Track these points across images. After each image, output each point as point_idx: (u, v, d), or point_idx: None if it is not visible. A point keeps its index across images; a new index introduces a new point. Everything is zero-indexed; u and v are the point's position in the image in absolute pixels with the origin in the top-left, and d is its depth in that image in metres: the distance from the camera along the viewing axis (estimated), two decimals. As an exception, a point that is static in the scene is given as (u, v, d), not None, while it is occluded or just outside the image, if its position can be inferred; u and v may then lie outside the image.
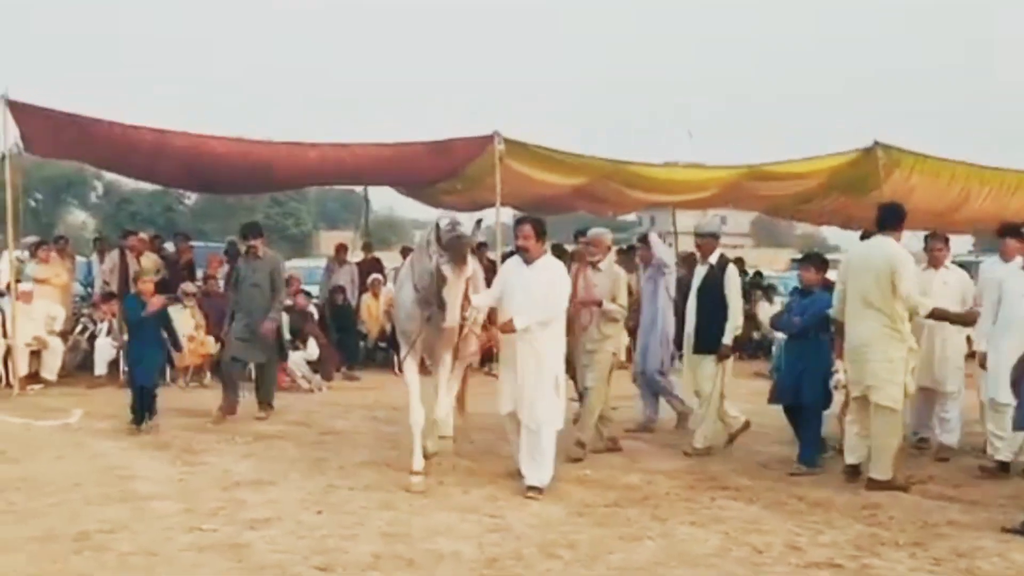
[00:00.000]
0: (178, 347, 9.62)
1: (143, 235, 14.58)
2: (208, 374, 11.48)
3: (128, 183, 41.23)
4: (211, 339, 11.45)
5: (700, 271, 7.85)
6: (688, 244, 10.98)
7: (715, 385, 7.67)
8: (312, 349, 11.57)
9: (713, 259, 7.79)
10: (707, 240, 7.87)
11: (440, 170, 12.42)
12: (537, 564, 4.86)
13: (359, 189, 18.32)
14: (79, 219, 48.85)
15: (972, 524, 5.76)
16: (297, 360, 11.30)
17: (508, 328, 6.21)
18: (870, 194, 12.85)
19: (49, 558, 4.88)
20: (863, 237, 7.55)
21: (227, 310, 9.62)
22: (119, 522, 5.51)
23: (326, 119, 74.93)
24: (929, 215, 12.89)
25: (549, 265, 6.49)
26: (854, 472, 6.76)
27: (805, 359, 7.19)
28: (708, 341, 7.63)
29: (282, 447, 7.81)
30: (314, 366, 11.51)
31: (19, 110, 10.41)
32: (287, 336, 11.53)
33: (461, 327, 6.45)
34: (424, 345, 6.69)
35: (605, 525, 5.63)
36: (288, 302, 12.27)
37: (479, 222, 6.77)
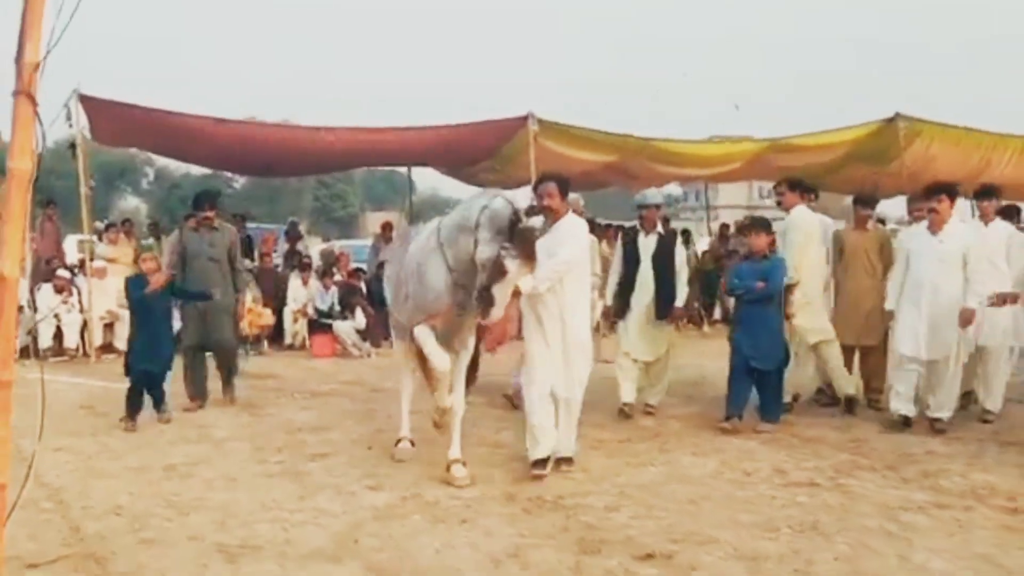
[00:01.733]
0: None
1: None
2: (266, 343, 12.57)
3: (178, 169, 42.85)
4: (268, 311, 12.54)
5: (649, 241, 7.80)
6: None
7: (668, 345, 7.94)
8: (360, 319, 12.57)
9: (660, 229, 7.86)
10: (651, 210, 7.84)
11: (478, 150, 13.38)
12: (553, 484, 5.77)
13: (403, 170, 19.38)
14: (131, 204, 50.47)
15: (947, 454, 6.57)
16: (347, 329, 12.35)
17: (519, 294, 5.66)
18: (891, 164, 13.56)
19: (144, 483, 5.89)
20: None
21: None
22: (200, 457, 6.53)
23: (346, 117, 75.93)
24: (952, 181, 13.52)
25: (571, 228, 6.13)
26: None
27: (767, 323, 7.42)
28: (667, 308, 7.74)
29: (337, 402, 8.81)
30: (363, 334, 12.51)
31: (88, 103, 11.51)
32: (336, 307, 12.63)
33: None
34: (443, 329, 5.92)
35: (616, 456, 6.53)
36: (338, 277, 13.41)
37: (533, 208, 5.83)
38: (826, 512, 5.20)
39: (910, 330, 7.29)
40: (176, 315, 8.53)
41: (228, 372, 8.65)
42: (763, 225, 7.77)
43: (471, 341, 6.16)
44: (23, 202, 3.04)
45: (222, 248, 8.50)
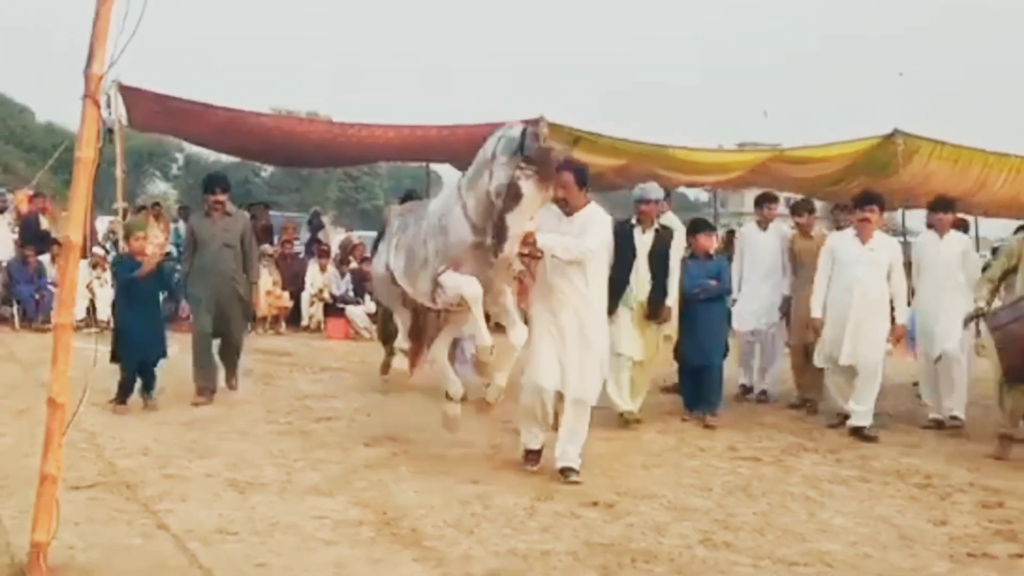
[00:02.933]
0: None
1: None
2: (284, 323, 13.51)
3: (208, 156, 43.94)
4: (286, 294, 13.49)
5: (646, 238, 7.60)
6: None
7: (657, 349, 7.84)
8: (371, 304, 13.47)
9: (657, 224, 7.72)
10: (651, 205, 7.66)
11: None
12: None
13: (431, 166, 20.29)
14: (160, 189, 51.76)
15: (889, 443, 7.32)
16: (359, 313, 13.30)
17: (530, 240, 5.40)
18: (891, 178, 14.27)
19: (167, 433, 6.78)
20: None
21: (183, 276, 8.49)
22: (216, 416, 7.41)
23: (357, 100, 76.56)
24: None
25: (594, 218, 5.89)
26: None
27: (711, 320, 7.85)
28: (659, 306, 7.62)
29: (344, 377, 9.71)
30: (373, 318, 13.40)
31: (127, 91, 12.51)
32: (351, 293, 13.57)
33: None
34: (468, 273, 5.62)
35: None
36: (353, 265, 14.34)
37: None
38: (759, 480, 6.02)
39: (838, 338, 7.58)
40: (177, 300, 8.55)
41: (233, 359, 8.50)
42: (709, 227, 8.52)
43: (506, 299, 5.79)
44: (87, 183, 3.93)
45: (236, 234, 8.20)
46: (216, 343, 8.30)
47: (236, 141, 14.66)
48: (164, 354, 7.73)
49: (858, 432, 7.45)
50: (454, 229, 5.63)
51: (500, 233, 5.24)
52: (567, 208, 5.85)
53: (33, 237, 13.52)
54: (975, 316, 7.31)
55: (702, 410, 7.85)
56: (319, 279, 13.92)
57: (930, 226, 8.55)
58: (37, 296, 12.77)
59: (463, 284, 5.54)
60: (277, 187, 48.97)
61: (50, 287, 12.76)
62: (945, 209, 8.35)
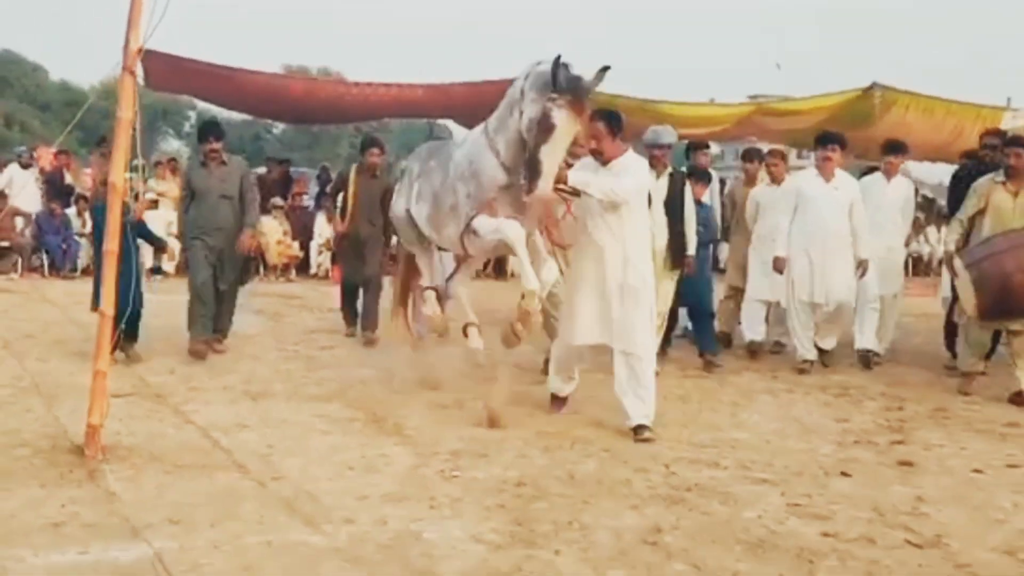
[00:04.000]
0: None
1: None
2: (294, 271, 14.60)
3: (220, 114, 44.87)
4: (296, 244, 14.56)
5: (660, 184, 7.39)
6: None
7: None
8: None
9: (671, 169, 7.65)
10: (664, 150, 7.51)
11: (485, 106, 15.17)
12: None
13: (441, 122, 21.27)
14: (173, 147, 52.78)
15: (843, 369, 8.20)
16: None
17: (563, 179, 5.39)
18: (869, 129, 15.14)
19: (189, 358, 7.83)
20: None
21: (185, 228, 8.33)
22: (231, 344, 8.40)
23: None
24: (927, 148, 15.14)
25: (630, 164, 5.73)
26: None
27: (703, 267, 8.11)
28: (680, 256, 7.58)
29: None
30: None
31: (143, 54, 13.46)
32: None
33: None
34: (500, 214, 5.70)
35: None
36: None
37: (606, 68, 5.35)
38: (698, 391, 7.04)
39: (807, 277, 7.87)
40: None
41: (226, 317, 8.24)
42: (707, 176, 8.66)
43: (536, 240, 5.82)
44: (126, 138, 4.95)
45: (234, 184, 7.99)
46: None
47: (247, 100, 15.66)
48: (142, 305, 7.41)
49: (821, 353, 8.03)
50: (486, 172, 5.69)
51: (534, 169, 5.18)
52: (602, 158, 5.70)
53: (58, 192, 14.61)
54: (948, 259, 7.32)
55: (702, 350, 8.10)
56: (327, 230, 14.90)
57: (866, 169, 9.21)
58: (64, 246, 13.87)
59: (505, 227, 5.58)
60: (289, 144, 49.90)
61: (76, 238, 13.87)
62: (896, 152, 8.71)
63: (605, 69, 5.33)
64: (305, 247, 15.05)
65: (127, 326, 6.85)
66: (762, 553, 3.90)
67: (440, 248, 6.83)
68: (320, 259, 14.98)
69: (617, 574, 3.65)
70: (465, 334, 6.48)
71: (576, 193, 5.51)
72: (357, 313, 9.22)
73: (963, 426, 6.18)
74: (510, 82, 14.50)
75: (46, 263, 13.78)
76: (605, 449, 5.39)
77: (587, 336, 5.78)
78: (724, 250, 10.25)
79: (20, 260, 13.74)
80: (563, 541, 3.97)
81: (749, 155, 9.79)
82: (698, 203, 8.08)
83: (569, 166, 5.67)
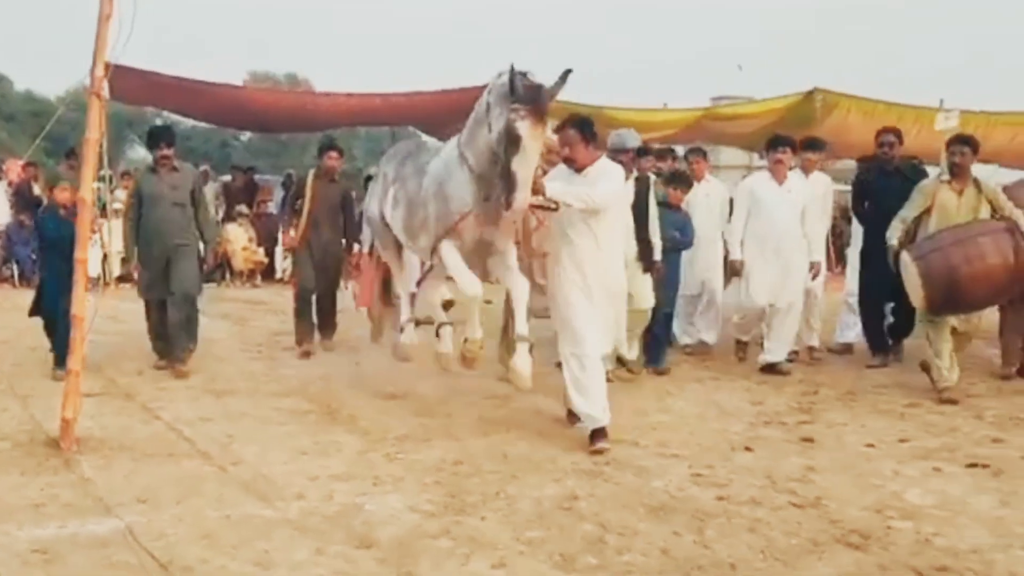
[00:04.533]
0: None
1: (204, 167, 18.11)
2: (259, 276, 15.08)
3: (186, 123, 45.09)
4: (261, 250, 15.03)
5: (627, 187, 6.97)
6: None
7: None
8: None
9: (635, 173, 7.50)
10: (629, 154, 7.29)
11: (442, 114, 15.75)
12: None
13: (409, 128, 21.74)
14: (140, 155, 52.78)
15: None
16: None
17: (540, 190, 5.32)
18: (812, 131, 15.79)
19: (154, 361, 8.32)
20: None
21: (135, 236, 7.92)
22: (198, 349, 8.89)
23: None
24: (869, 148, 15.80)
25: (606, 170, 5.72)
26: None
27: (674, 271, 8.04)
28: (649, 260, 7.50)
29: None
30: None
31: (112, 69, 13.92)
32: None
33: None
34: (470, 240, 5.78)
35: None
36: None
37: (568, 72, 5.32)
38: (634, 384, 7.55)
39: (762, 280, 7.97)
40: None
41: (185, 329, 7.89)
42: (686, 182, 8.42)
43: (510, 256, 5.85)
44: (94, 156, 5.46)
45: (185, 191, 7.85)
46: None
47: (212, 112, 16.15)
48: None
49: (772, 368, 7.93)
50: (457, 193, 5.70)
51: (508, 182, 5.14)
52: (575, 165, 5.70)
53: (27, 203, 15.00)
54: (894, 255, 7.26)
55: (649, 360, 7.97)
56: (291, 235, 15.41)
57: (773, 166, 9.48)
58: (33, 257, 14.24)
59: (466, 283, 5.74)
60: (256, 151, 50.09)
61: (45, 248, 14.26)
62: (814, 149, 8.90)
63: (567, 73, 5.30)
64: (270, 253, 15.51)
65: (61, 337, 6.80)
66: (662, 515, 4.48)
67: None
68: (285, 264, 15.42)
69: (533, 534, 4.21)
70: (437, 335, 6.54)
71: (555, 208, 5.46)
72: (313, 325, 8.98)
73: (868, 408, 6.76)
74: (466, 90, 15.07)
75: (16, 273, 14.18)
76: (539, 433, 5.94)
77: (597, 344, 5.71)
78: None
79: (-8, 270, 14.15)
80: (489, 509, 4.53)
81: (661, 155, 9.59)
82: (675, 208, 8.08)
83: (544, 173, 5.60)
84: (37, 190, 15.53)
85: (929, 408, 6.76)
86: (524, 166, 5.12)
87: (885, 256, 7.42)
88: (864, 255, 8.44)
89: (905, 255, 7.05)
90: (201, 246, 8.16)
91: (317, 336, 9.01)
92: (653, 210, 7.58)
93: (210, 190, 16.43)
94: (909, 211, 7.46)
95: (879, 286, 8.06)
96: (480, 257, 5.90)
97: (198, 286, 8.08)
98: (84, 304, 5.59)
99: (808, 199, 8.15)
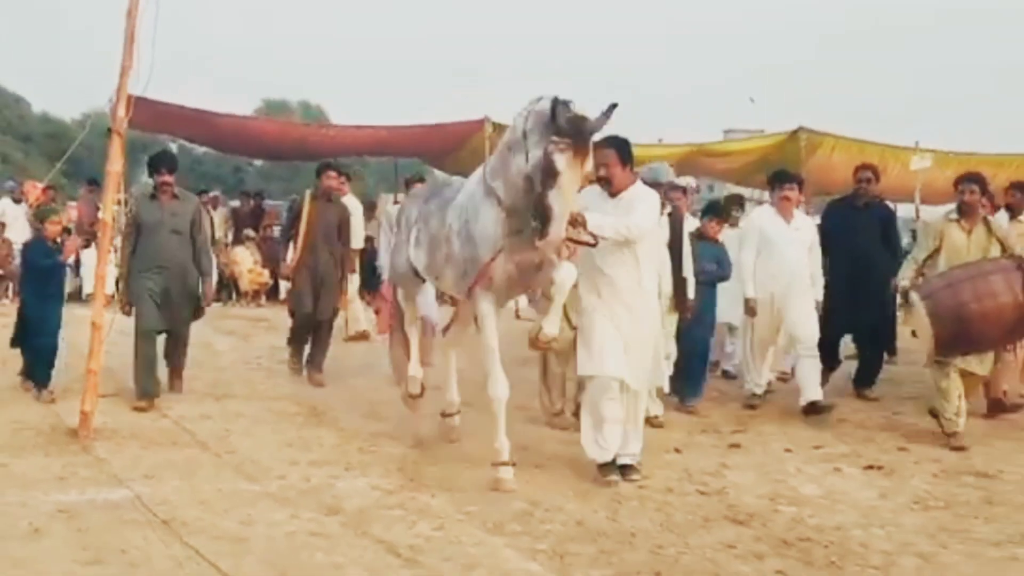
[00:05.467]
0: None
1: (215, 193, 19.18)
2: (264, 297, 16.07)
3: (198, 148, 46.48)
4: (266, 272, 16.03)
5: (662, 223, 6.89)
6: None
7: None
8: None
9: (669, 208, 7.29)
10: (663, 189, 6.91)
11: (439, 146, 16.80)
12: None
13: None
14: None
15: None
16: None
17: (578, 221, 5.10)
18: (796, 170, 16.74)
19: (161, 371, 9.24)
20: None
21: (131, 264, 7.79)
22: (199, 359, 9.58)
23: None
24: (849, 186, 16.73)
25: (641, 196, 5.61)
26: None
27: (710, 305, 7.85)
28: (683, 299, 7.40)
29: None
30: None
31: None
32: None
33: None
34: (504, 280, 5.47)
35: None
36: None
37: (614, 106, 5.09)
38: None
39: (771, 317, 7.89)
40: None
41: (178, 358, 7.98)
42: (723, 213, 8.32)
43: (553, 266, 5.41)
44: (114, 187, 6.43)
45: (184, 219, 7.69)
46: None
47: (223, 141, 17.26)
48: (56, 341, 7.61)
49: (814, 407, 7.57)
50: (484, 235, 5.40)
51: (544, 215, 4.92)
52: (611, 188, 5.56)
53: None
54: (903, 295, 7.27)
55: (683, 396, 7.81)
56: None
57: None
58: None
59: (495, 380, 5.54)
60: (268, 175, 51.40)
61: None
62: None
63: (612, 107, 5.06)
64: (275, 275, 16.48)
65: (42, 364, 7.54)
66: (587, 497, 5.37)
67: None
68: (288, 285, 16.44)
69: (472, 508, 5.12)
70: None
71: (594, 243, 5.27)
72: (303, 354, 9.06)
73: (800, 422, 7.51)
74: (466, 124, 16.01)
75: (34, 290, 15.18)
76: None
77: (618, 368, 5.57)
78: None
79: (11, 286, 15.14)
80: (440, 489, 5.44)
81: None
82: (712, 241, 7.96)
83: None
84: (55, 211, 16.62)
85: (857, 423, 7.56)
86: (561, 201, 4.92)
87: (850, 291, 8.01)
88: (828, 287, 8.23)
89: (913, 295, 6.93)
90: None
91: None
92: (687, 246, 7.47)
93: (219, 215, 17.50)
94: (919, 252, 7.41)
95: (838, 317, 8.21)
96: (524, 279, 5.56)
97: (191, 321, 7.94)
98: (102, 313, 6.52)
99: (814, 237, 8.11)
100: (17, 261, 15.38)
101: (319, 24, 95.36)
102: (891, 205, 10.69)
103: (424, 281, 6.48)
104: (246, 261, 15.92)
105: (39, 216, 8.55)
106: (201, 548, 4.36)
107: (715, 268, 7.81)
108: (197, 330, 8.44)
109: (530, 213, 5.06)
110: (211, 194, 18.59)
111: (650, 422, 6.72)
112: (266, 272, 16.14)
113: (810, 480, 5.89)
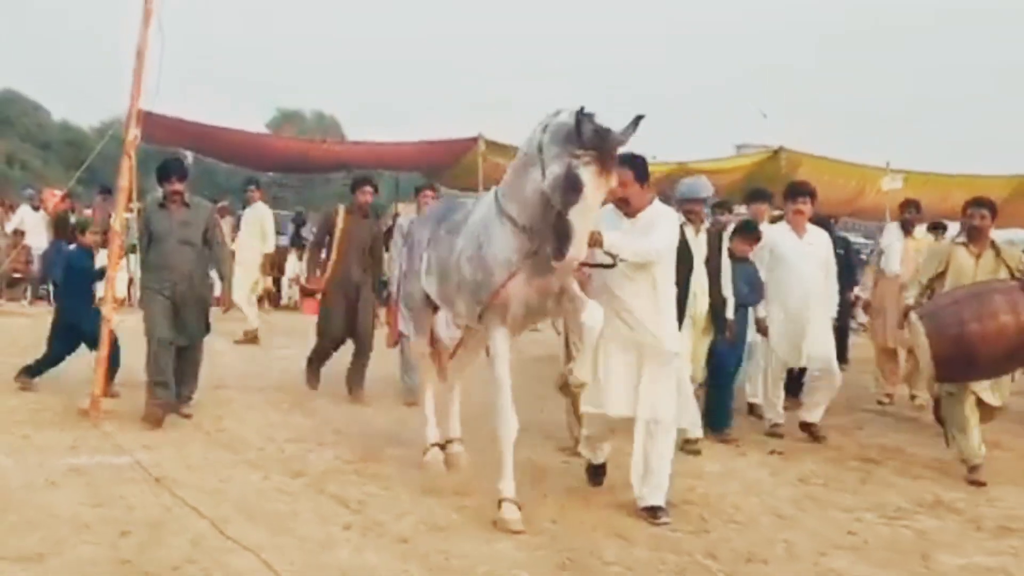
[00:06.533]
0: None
1: (223, 203, 20.36)
2: (266, 302, 17.20)
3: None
4: (269, 279, 17.16)
5: (700, 240, 7.02)
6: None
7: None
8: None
9: (707, 224, 7.41)
10: (700, 204, 7.15)
11: (435, 162, 17.89)
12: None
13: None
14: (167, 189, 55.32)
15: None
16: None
17: (596, 240, 4.94)
18: (777, 188, 17.73)
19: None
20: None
21: (141, 274, 7.89)
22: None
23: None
24: (830, 204, 17.69)
25: (660, 215, 5.45)
26: None
27: (743, 328, 7.71)
28: (722, 320, 7.34)
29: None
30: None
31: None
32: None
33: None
34: (520, 306, 5.27)
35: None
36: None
37: (640, 118, 4.84)
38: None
39: (787, 337, 7.76)
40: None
41: (190, 373, 7.84)
42: (755, 232, 7.89)
43: (573, 289, 5.23)
44: (124, 201, 7.52)
45: (196, 228, 7.61)
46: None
47: (234, 154, 18.50)
48: (95, 345, 7.76)
49: (807, 428, 7.75)
50: (497, 260, 5.19)
51: (564, 233, 4.66)
52: (628, 208, 5.43)
53: (64, 230, 17.22)
54: (904, 314, 7.17)
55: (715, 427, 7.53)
56: (296, 266, 17.55)
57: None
58: (62, 280, 16.42)
59: (505, 421, 5.36)
60: (282, 184, 52.58)
61: (78, 271, 16.42)
62: (763, 199, 9.38)
63: (638, 119, 4.84)
64: (277, 282, 17.64)
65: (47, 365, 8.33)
66: (536, 485, 6.08)
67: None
68: (290, 292, 17.58)
69: (415, 475, 6.16)
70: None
71: (612, 264, 5.14)
72: (319, 375, 9.09)
73: (775, 440, 7.73)
74: (460, 142, 17.07)
75: (51, 292, 16.34)
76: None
77: (619, 407, 5.42)
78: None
79: (30, 289, 16.32)
80: (393, 460, 6.52)
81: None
82: (744, 260, 7.75)
83: None
84: (73, 219, 17.81)
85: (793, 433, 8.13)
86: (582, 219, 4.67)
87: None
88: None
89: (912, 315, 6.83)
90: (218, 284, 8.57)
91: (322, 384, 9.03)
92: (726, 264, 7.37)
93: (227, 224, 18.67)
94: (924, 275, 7.29)
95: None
96: (541, 306, 5.38)
97: (204, 333, 7.90)
98: (112, 311, 7.61)
99: (829, 251, 8.01)
100: (36, 266, 16.62)
101: (332, 26, 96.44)
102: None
103: (437, 309, 6.36)
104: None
105: (79, 226, 9.30)
106: (186, 498, 5.43)
107: (746, 290, 7.63)
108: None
109: (547, 232, 4.87)
110: (220, 204, 19.79)
111: (686, 447, 6.71)
112: (268, 279, 17.28)
113: (719, 462, 6.90)
